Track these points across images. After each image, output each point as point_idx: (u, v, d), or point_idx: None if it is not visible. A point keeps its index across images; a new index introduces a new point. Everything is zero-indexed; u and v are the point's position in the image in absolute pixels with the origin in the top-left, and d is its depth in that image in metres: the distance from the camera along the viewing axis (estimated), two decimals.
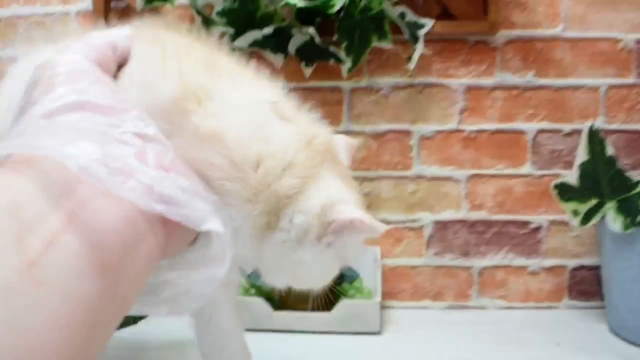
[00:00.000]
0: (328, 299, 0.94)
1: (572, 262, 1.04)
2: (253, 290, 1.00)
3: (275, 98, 0.50)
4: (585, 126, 0.89)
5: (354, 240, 0.51)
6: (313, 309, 0.94)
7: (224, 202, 0.43)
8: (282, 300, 0.98)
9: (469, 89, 1.02)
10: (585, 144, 0.88)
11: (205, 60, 0.48)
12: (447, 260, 1.05)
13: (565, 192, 0.91)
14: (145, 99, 0.42)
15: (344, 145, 0.56)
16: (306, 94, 1.04)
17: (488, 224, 1.04)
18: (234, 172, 0.44)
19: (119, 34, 0.44)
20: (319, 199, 0.48)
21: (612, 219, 0.86)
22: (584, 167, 0.89)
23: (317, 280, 0.54)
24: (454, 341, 0.91)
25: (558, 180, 0.91)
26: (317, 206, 0.47)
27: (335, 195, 0.49)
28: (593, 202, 0.90)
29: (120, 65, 0.44)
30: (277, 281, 0.53)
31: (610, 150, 0.86)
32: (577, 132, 0.98)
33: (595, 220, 0.90)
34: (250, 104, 0.47)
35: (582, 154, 0.89)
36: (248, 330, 0.93)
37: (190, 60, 0.47)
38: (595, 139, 0.87)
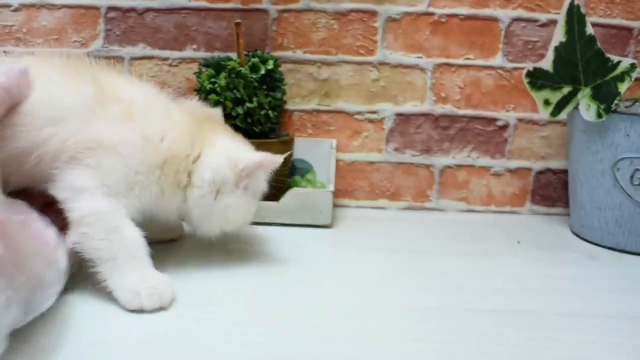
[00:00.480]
0: (278, 190, 0.88)
1: (537, 165, 0.98)
2: None
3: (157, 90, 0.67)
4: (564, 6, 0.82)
5: (261, 178, 0.68)
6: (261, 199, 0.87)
7: (140, 171, 0.59)
8: None
9: None
10: (562, 23, 0.81)
11: (98, 72, 0.63)
12: (408, 157, 0.98)
13: (537, 79, 0.84)
14: (68, 99, 0.58)
15: (218, 115, 0.75)
16: None
17: (453, 118, 0.97)
18: (146, 144, 0.60)
19: (12, 74, 0.55)
20: (222, 155, 0.64)
21: (585, 107, 0.80)
22: (560, 49, 0.82)
23: (245, 218, 0.69)
24: (410, 237, 0.86)
25: (530, 66, 0.85)
26: (222, 160, 0.64)
27: (236, 149, 0.66)
28: (566, 90, 0.83)
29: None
30: (212, 229, 0.67)
31: (590, 30, 0.79)
32: (553, 23, 0.91)
33: (567, 110, 0.84)
34: (148, 94, 0.64)
35: (558, 35, 0.82)
36: None
37: (87, 73, 0.62)
38: (575, 15, 0.79)
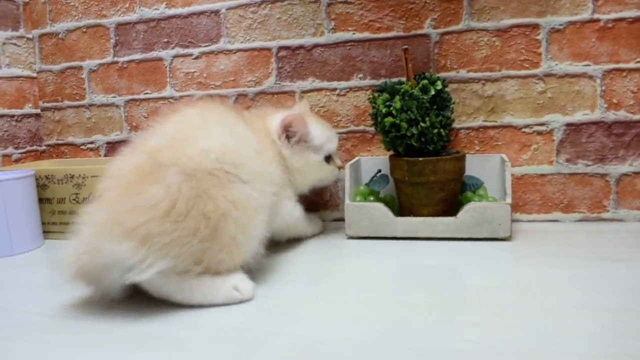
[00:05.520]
0: (451, 206, 0.89)
1: None
2: (372, 197, 0.95)
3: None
4: None
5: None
6: (436, 215, 0.88)
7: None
8: (404, 206, 0.93)
9: None
10: None
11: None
12: (580, 167, 0.96)
13: None
14: None
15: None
16: None
17: (627, 125, 0.94)
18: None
19: None
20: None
21: None
22: None
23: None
24: (592, 246, 0.83)
25: None
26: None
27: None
28: None
29: None
30: None
31: None
32: None
33: None
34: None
35: None
36: (369, 237, 0.90)
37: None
38: None
